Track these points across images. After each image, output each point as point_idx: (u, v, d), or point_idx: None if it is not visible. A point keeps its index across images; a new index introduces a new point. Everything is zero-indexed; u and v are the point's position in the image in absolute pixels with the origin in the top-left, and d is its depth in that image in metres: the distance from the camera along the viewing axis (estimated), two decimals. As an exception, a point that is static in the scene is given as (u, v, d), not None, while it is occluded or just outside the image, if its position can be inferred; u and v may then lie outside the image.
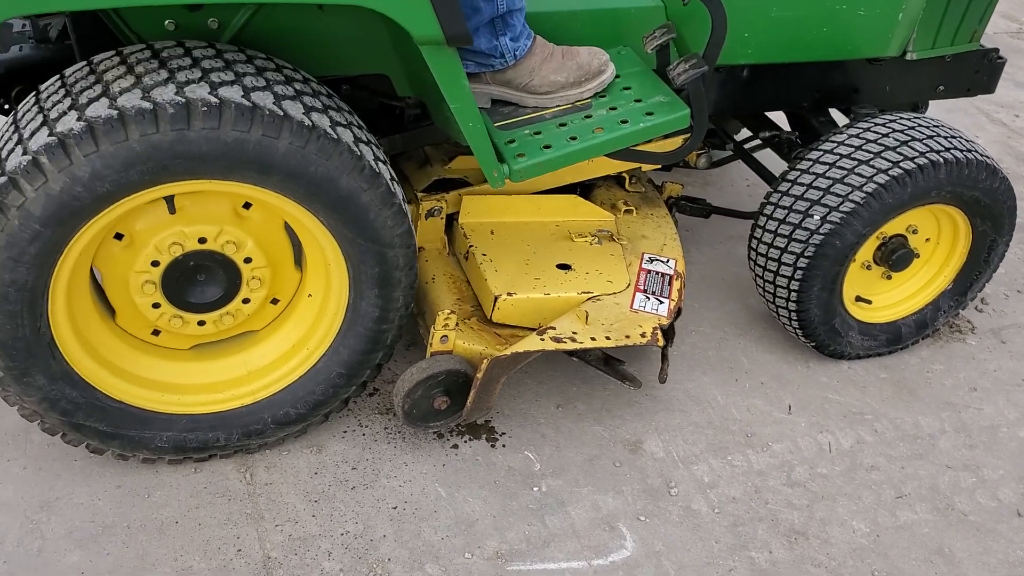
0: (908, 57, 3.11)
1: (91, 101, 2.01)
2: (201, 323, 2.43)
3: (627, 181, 3.25)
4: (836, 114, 3.40)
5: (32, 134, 2.01)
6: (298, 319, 2.51)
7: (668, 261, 2.91)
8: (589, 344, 2.51)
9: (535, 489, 2.60)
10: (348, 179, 2.19)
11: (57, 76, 2.18)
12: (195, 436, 2.46)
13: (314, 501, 2.49)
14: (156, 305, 2.36)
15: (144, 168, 2.02)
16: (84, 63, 2.17)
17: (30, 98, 2.17)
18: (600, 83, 2.66)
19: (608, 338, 2.54)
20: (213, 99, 2.02)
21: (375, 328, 2.46)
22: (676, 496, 2.63)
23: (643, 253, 2.93)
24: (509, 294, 2.64)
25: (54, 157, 1.96)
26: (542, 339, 2.49)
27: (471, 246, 2.84)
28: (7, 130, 2.12)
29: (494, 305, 2.65)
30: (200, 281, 2.37)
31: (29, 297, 2.11)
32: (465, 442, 2.71)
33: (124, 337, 2.43)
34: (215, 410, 2.47)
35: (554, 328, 2.54)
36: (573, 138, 2.53)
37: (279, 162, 2.11)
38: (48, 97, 2.10)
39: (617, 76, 2.71)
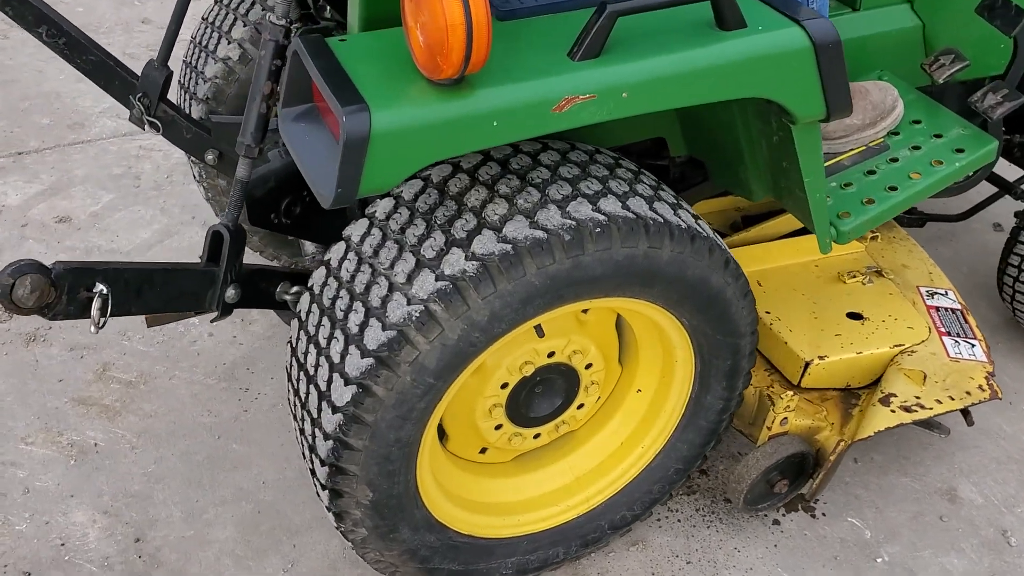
0: None
1: (471, 234, 1.80)
2: (536, 436, 2.25)
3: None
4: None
5: (409, 278, 1.79)
6: (624, 416, 2.34)
7: (947, 293, 2.77)
8: (938, 410, 2.36)
9: (878, 560, 2.47)
10: (717, 276, 2.01)
11: (391, 200, 1.95)
12: (536, 556, 2.29)
13: (665, 607, 2.34)
14: (498, 426, 2.17)
15: (541, 302, 1.83)
16: (421, 182, 1.95)
17: (368, 228, 1.93)
18: (893, 120, 2.49)
19: (952, 399, 2.39)
20: (601, 217, 1.82)
21: (717, 419, 2.30)
22: (1017, 546, 2.51)
23: (917, 287, 2.79)
24: (821, 358, 2.48)
25: (450, 304, 1.75)
26: (893, 411, 2.34)
27: (747, 303, 2.66)
28: (353, 267, 1.90)
29: (804, 371, 2.48)
30: (538, 394, 2.18)
31: (408, 452, 1.91)
32: (784, 516, 2.57)
33: (455, 462, 2.24)
34: (553, 525, 2.29)
35: (895, 395, 2.38)
36: (892, 188, 2.36)
37: (662, 271, 1.92)
38: (401, 228, 1.88)
39: (900, 109, 2.54)
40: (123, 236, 3.43)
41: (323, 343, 1.90)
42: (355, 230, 1.96)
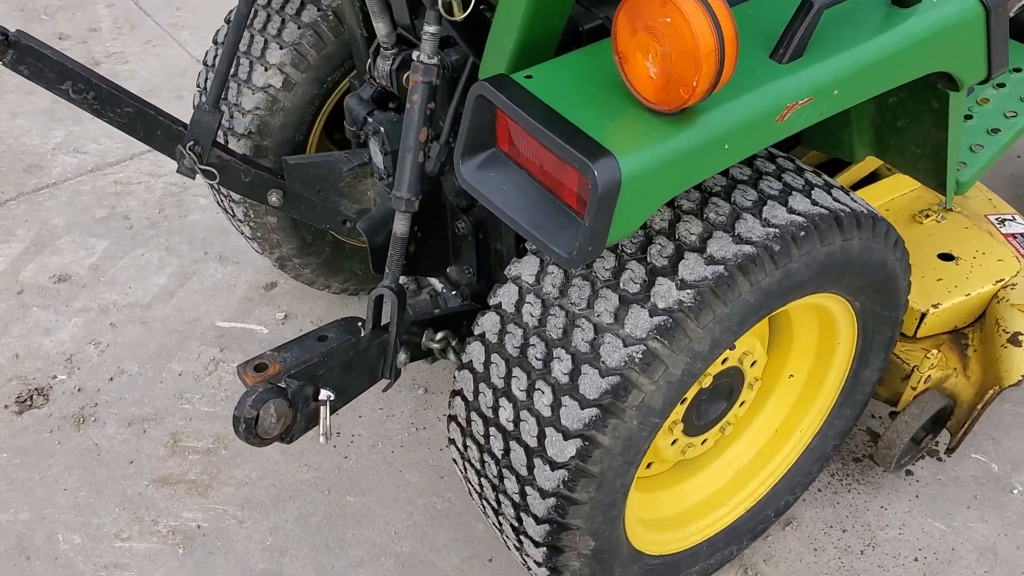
0: None
1: (673, 260, 1.69)
2: (704, 442, 2.18)
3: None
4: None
5: (617, 317, 1.67)
6: (777, 403, 2.29)
7: (1014, 218, 2.81)
8: (1063, 339, 2.40)
9: (1015, 492, 2.53)
10: (891, 256, 1.97)
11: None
12: (715, 559, 2.25)
13: (839, 581, 2.34)
14: (674, 441, 2.09)
15: (756, 317, 1.74)
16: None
17: (540, 266, 1.79)
18: (972, 61, 2.47)
19: (1070, 325, 2.44)
20: (799, 218, 1.74)
21: (871, 390, 2.28)
22: None
23: (985, 216, 2.82)
24: (935, 306, 2.48)
25: (673, 339, 1.65)
26: (1026, 349, 2.37)
27: (838, 259, 2.64)
28: (539, 311, 1.76)
29: (921, 321, 2.48)
30: (705, 400, 2.10)
31: (626, 493, 1.82)
32: (913, 465, 2.59)
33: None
34: (726, 524, 2.25)
35: (1020, 332, 2.41)
36: (995, 130, 2.37)
37: (854, 261, 1.86)
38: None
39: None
40: (136, 287, 3.14)
41: (521, 396, 1.76)
42: (523, 269, 1.82)
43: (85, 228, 3.37)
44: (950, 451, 2.43)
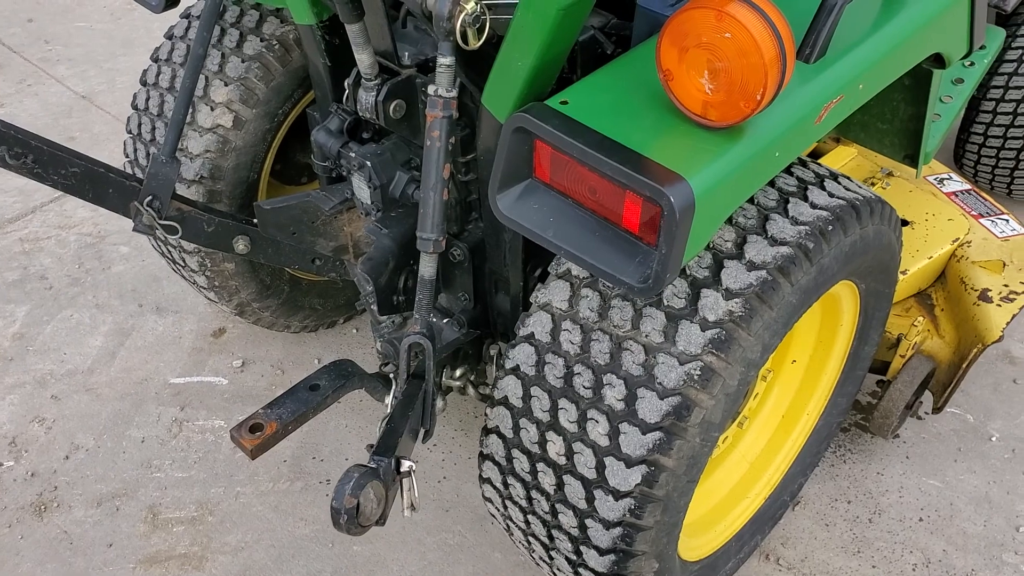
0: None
1: (713, 271, 1.66)
2: (725, 439, 2.18)
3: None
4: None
5: (667, 335, 1.63)
6: (781, 390, 2.31)
7: (951, 176, 2.93)
8: (1025, 290, 2.52)
9: (993, 439, 2.65)
10: (893, 236, 2.00)
11: (579, 253, 1.76)
12: (743, 552, 2.26)
13: (856, 552, 2.39)
14: (701, 445, 2.08)
15: (796, 317, 1.74)
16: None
17: (572, 290, 1.74)
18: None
19: (1032, 276, 2.56)
20: (823, 213, 1.74)
21: (868, 365, 2.32)
22: (1086, 387, 2.78)
23: (924, 178, 2.93)
24: (903, 273, 2.56)
25: (728, 351, 1.62)
26: (999, 305, 2.46)
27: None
28: (579, 338, 1.70)
29: (891, 289, 2.56)
30: (724, 398, 2.10)
31: (686, 509, 1.79)
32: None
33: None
34: (750, 517, 2.26)
35: (989, 289, 2.51)
36: (947, 97, 2.45)
37: (871, 247, 1.89)
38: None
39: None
40: (72, 352, 2.90)
41: (571, 428, 1.71)
42: (553, 295, 1.76)
43: (-3, 295, 3.10)
44: (937, 410, 2.51)
